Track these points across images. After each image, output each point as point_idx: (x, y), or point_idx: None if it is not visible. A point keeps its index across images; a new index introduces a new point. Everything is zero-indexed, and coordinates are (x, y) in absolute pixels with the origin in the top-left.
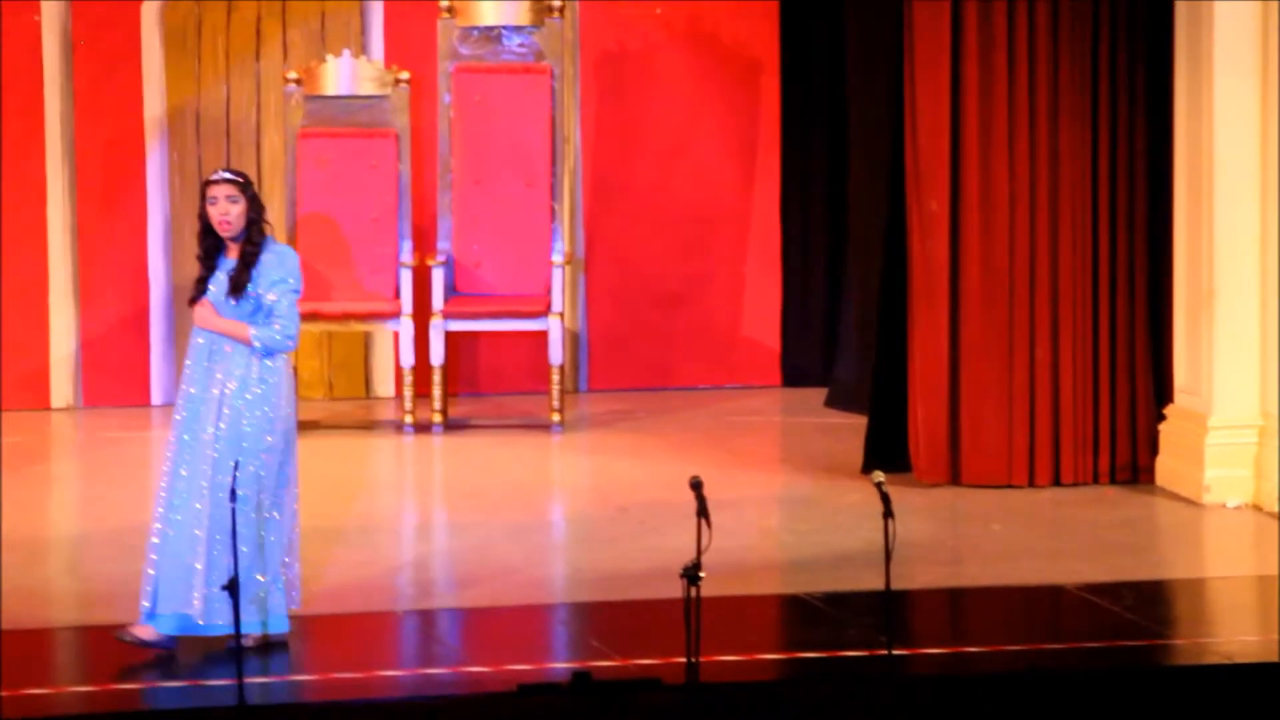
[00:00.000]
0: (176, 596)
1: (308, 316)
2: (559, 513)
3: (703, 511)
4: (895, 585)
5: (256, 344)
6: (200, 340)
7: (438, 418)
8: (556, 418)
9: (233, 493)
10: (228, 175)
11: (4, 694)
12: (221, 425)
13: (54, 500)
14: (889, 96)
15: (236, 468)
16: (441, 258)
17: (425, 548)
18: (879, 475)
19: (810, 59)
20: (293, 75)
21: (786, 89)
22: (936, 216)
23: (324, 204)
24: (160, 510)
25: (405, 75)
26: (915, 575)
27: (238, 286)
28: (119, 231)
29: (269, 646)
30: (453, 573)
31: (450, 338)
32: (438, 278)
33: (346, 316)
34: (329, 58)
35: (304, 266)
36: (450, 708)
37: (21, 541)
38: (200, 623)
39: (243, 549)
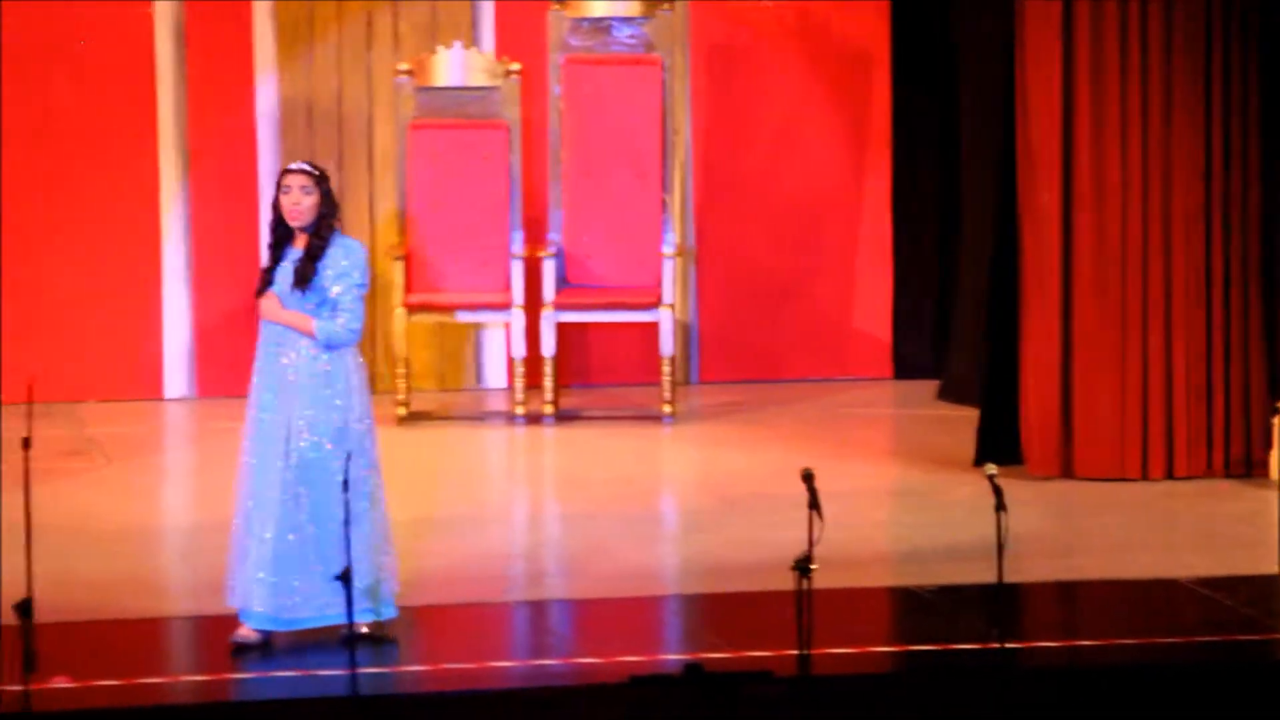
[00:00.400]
0: (261, 593)
1: (419, 308)
2: (670, 504)
3: (814, 503)
4: (1007, 578)
5: (319, 336)
6: (268, 333)
7: (549, 409)
8: (667, 409)
9: (344, 483)
10: (304, 166)
11: (119, 683)
12: (295, 418)
13: (167, 490)
14: (1000, 88)
15: (349, 459)
16: (552, 249)
17: (536, 538)
18: (991, 468)
19: (921, 51)
20: (404, 67)
21: (897, 81)
22: (1048, 208)
23: (435, 196)
24: (241, 508)
25: (516, 67)
26: (1027, 568)
27: (303, 278)
28: (232, 223)
29: (371, 638)
30: (564, 564)
31: (561, 329)
32: (549, 269)
33: (458, 308)
34: (440, 49)
35: (415, 257)
36: (562, 699)
37: (136, 531)
38: (286, 617)
39: (298, 535)
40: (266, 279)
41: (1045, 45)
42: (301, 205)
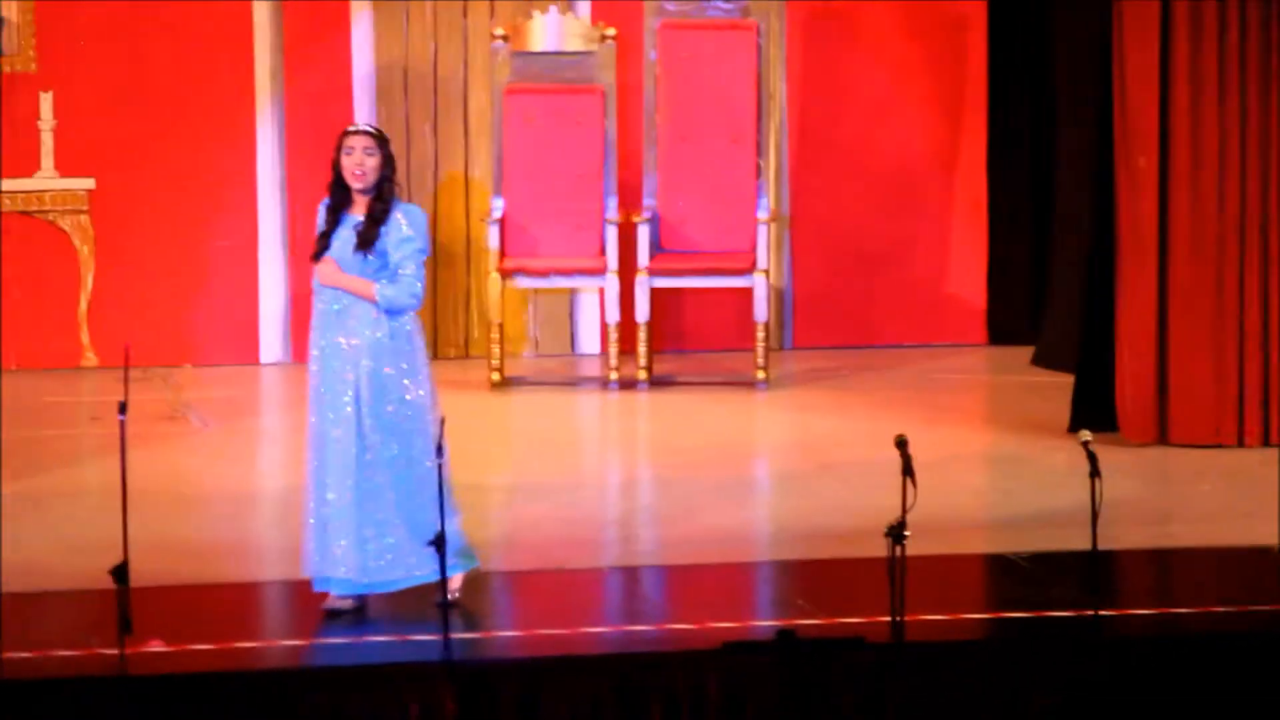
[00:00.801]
0: (342, 559)
1: (514, 272)
2: (763, 470)
3: (908, 470)
4: (1102, 545)
5: (381, 301)
6: (326, 297)
7: (643, 374)
8: (761, 375)
9: (438, 448)
10: (367, 128)
11: (213, 647)
12: (360, 385)
13: (263, 455)
14: (1097, 52)
15: (443, 424)
16: (647, 214)
17: (630, 504)
18: (1086, 434)
19: (1017, 14)
20: (500, 32)
21: (994, 44)
22: (1145, 173)
23: (530, 160)
24: (312, 476)
25: (612, 32)
26: (1122, 535)
27: (366, 241)
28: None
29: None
30: (657, 529)
31: (655, 294)
32: (643, 234)
33: (552, 272)
34: (536, 14)
35: (510, 222)
36: (655, 665)
37: (231, 496)
38: (364, 580)
39: (384, 501)
40: (324, 243)
41: (1143, 8)
42: (365, 166)
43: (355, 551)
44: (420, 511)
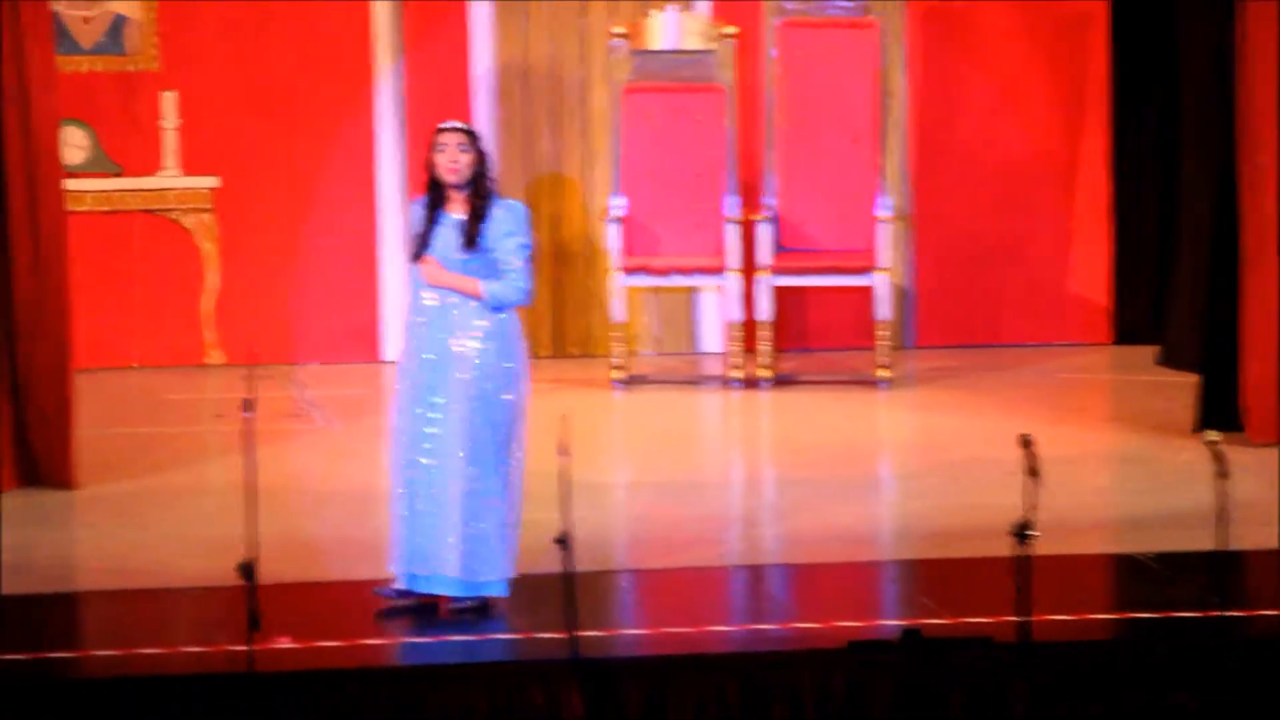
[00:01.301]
0: (436, 557)
1: (635, 271)
2: (886, 469)
3: (1032, 469)
4: (1229, 546)
5: (488, 298)
6: (426, 296)
7: (765, 373)
8: (883, 374)
9: (562, 448)
10: (459, 125)
11: (340, 644)
12: (464, 384)
13: (386, 452)
14: (1220, 46)
15: (566, 421)
16: (767, 213)
17: (754, 503)
18: (1212, 434)
19: (1140, 10)
20: (619, 30)
21: (1116, 41)
22: (1265, 170)
23: (649, 159)
24: (402, 475)
25: (732, 30)
26: (1248, 536)
27: (471, 239)
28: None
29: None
30: (781, 528)
31: (777, 293)
32: (764, 233)
33: (673, 271)
34: (655, 12)
35: (630, 221)
36: (780, 664)
37: (355, 493)
38: (461, 578)
39: (492, 501)
40: (423, 242)
41: (1264, 7)
42: (460, 162)
43: (460, 552)
44: (511, 511)
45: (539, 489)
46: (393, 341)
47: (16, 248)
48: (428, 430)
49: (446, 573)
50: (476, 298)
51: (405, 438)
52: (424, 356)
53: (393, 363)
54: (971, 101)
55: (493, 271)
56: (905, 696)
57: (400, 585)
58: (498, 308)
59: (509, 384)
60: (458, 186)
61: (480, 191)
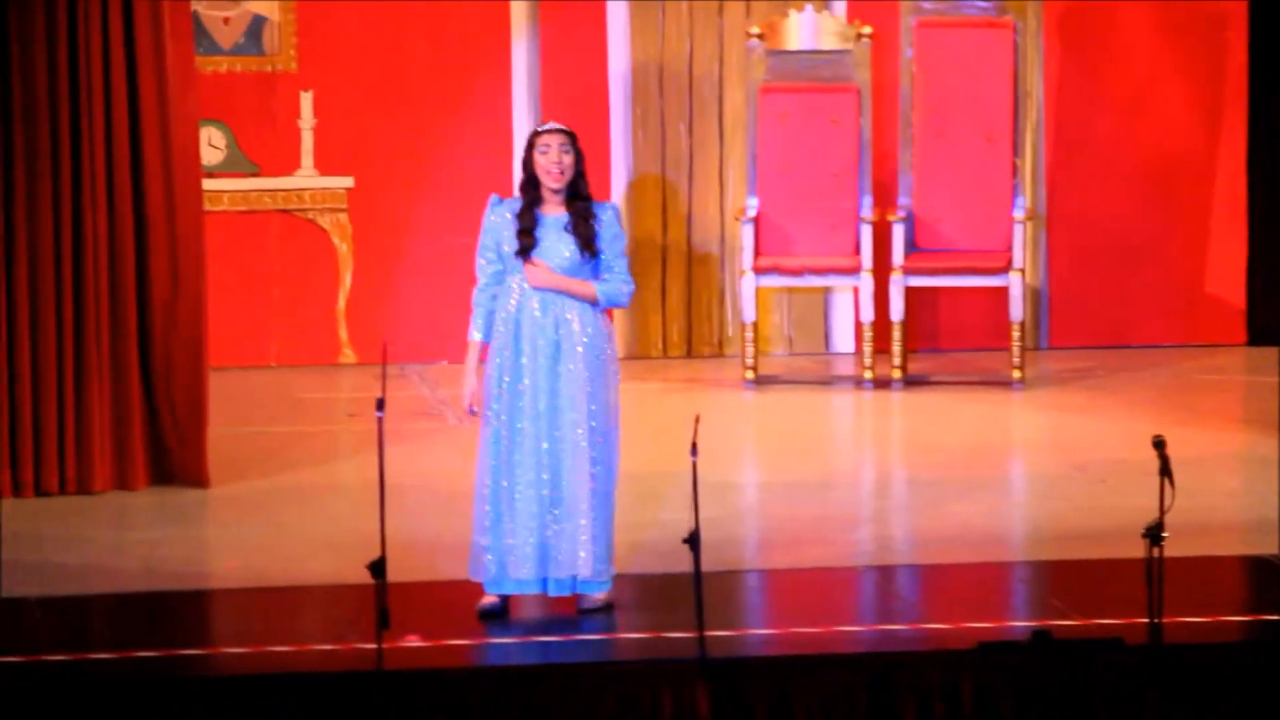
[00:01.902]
0: (569, 556)
1: (767, 270)
2: (1018, 470)
3: (1165, 470)
4: None
5: (602, 299)
6: (529, 298)
7: (897, 373)
8: (1017, 374)
9: (693, 447)
10: (560, 126)
11: (469, 643)
12: (569, 386)
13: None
14: None
15: (698, 421)
16: (902, 213)
17: (884, 503)
18: None
19: (1278, 11)
20: (755, 30)
21: (1254, 40)
22: None
23: (784, 159)
24: (496, 475)
25: (867, 30)
26: None
27: (588, 242)
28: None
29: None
30: (911, 529)
31: (910, 293)
32: (898, 233)
33: (806, 271)
34: (792, 12)
35: (764, 221)
36: (909, 664)
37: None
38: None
39: (581, 502)
40: (529, 243)
41: None
42: (563, 164)
43: (581, 548)
44: (607, 509)
45: (668, 489)
46: None
47: (154, 247)
48: (528, 428)
49: (580, 572)
50: (588, 299)
51: (499, 436)
52: (523, 359)
53: None
54: (1108, 101)
55: (594, 271)
56: (1035, 698)
57: (503, 592)
58: (610, 305)
59: (613, 381)
60: (557, 190)
61: (581, 193)
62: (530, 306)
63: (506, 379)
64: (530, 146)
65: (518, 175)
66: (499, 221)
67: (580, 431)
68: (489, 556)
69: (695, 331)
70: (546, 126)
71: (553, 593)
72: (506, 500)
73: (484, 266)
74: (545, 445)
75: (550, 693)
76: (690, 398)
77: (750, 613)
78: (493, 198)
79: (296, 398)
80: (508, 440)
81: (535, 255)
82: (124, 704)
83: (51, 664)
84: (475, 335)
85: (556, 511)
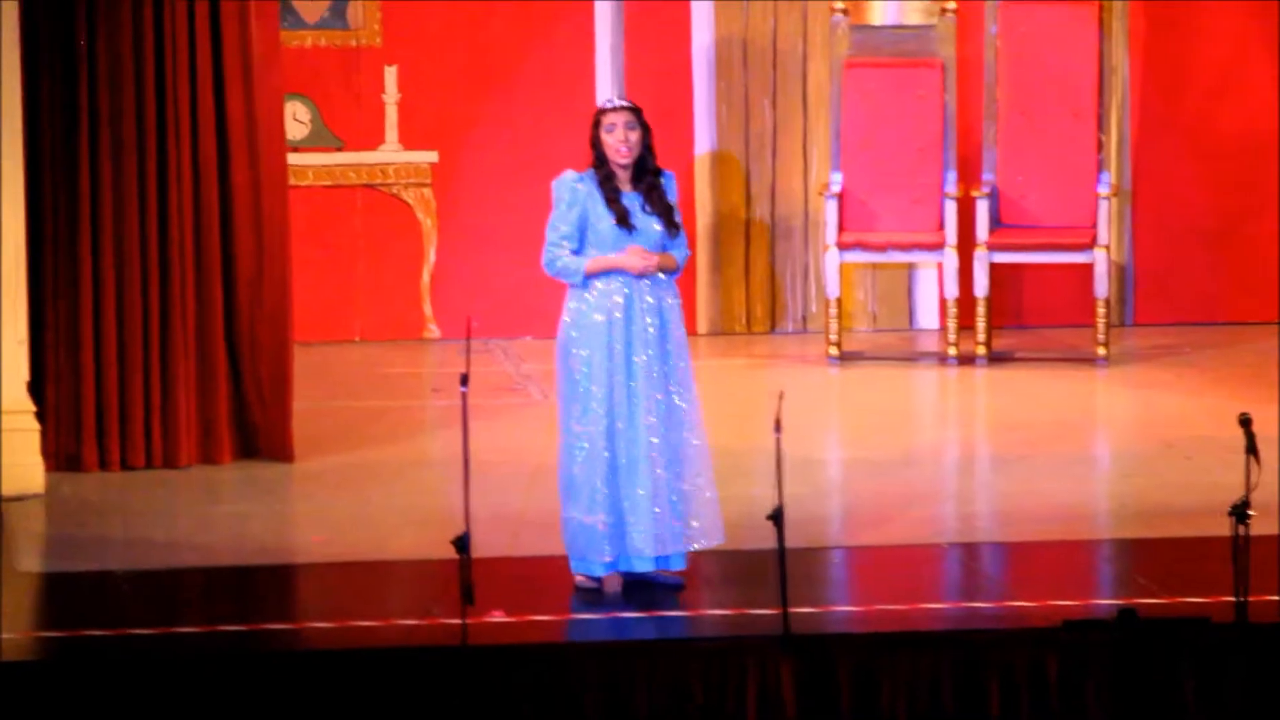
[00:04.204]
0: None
1: (851, 246)
2: (1103, 447)
3: (1251, 448)
4: None
5: (678, 270)
6: (616, 281)
7: (981, 350)
8: (1101, 351)
9: (777, 423)
10: (626, 103)
11: (553, 618)
12: (673, 354)
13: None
14: None
15: (781, 398)
16: (986, 189)
17: (968, 480)
18: None
19: None
20: (839, 5)
21: None
22: None
23: (868, 134)
24: (600, 456)
25: (952, 5)
26: None
27: (668, 216)
28: (668, 159)
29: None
30: (995, 506)
31: (994, 269)
32: (982, 209)
33: (890, 247)
34: None
35: (848, 196)
36: (995, 642)
37: None
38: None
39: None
40: (621, 211)
41: None
42: (630, 141)
43: (656, 526)
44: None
45: (752, 465)
46: None
47: (239, 222)
48: (654, 407)
49: (713, 541)
50: (672, 270)
51: (596, 414)
52: (605, 334)
53: None
54: (1194, 77)
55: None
56: (1120, 676)
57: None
58: (676, 276)
59: (687, 350)
60: (625, 166)
61: (649, 167)
62: (638, 286)
63: (619, 363)
64: (596, 124)
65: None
66: (585, 192)
67: (688, 405)
68: (601, 533)
69: (778, 307)
70: (610, 103)
71: (638, 569)
72: (623, 477)
73: (561, 231)
74: (656, 420)
75: (634, 669)
76: (774, 374)
77: (834, 589)
78: (570, 172)
79: (381, 373)
80: (625, 419)
81: (633, 237)
82: (210, 678)
83: (140, 638)
84: (583, 262)
85: (680, 485)
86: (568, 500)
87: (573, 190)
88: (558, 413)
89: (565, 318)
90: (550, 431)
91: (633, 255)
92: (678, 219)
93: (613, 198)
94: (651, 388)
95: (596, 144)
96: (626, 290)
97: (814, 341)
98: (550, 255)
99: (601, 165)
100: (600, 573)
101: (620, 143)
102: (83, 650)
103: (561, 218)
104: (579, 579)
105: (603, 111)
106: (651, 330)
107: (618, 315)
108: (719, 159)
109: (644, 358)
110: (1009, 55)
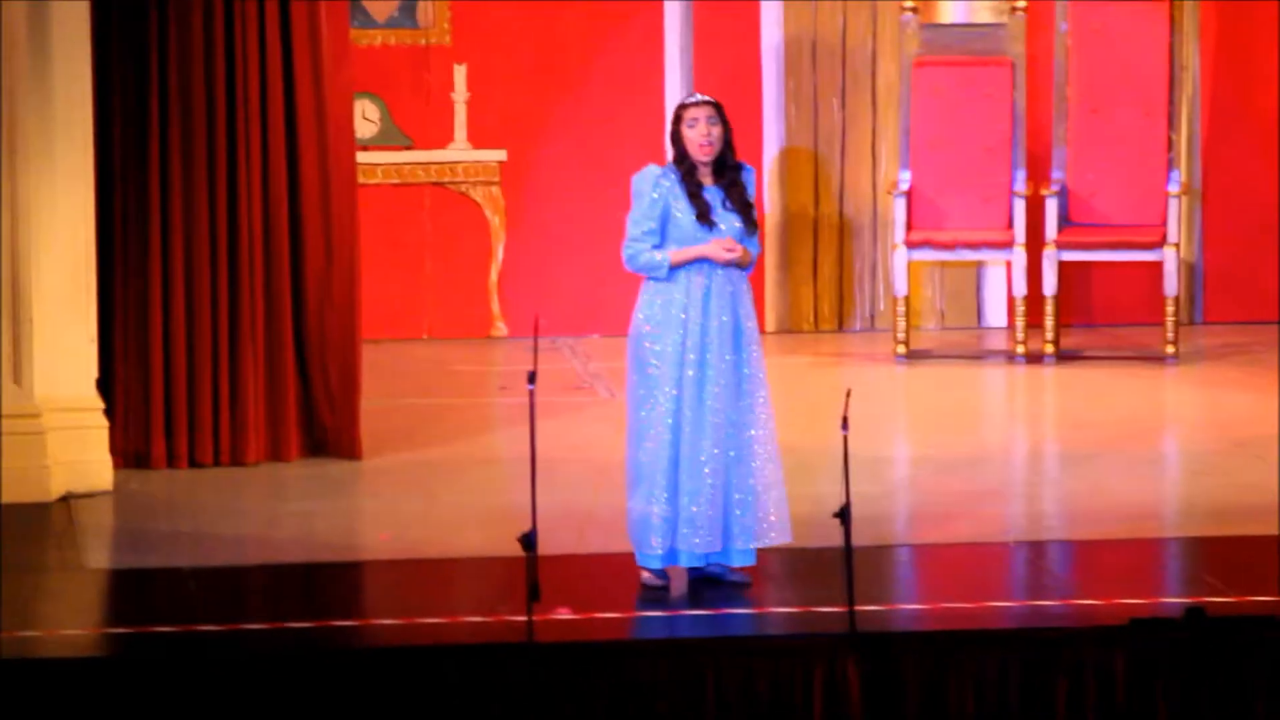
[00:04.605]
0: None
1: (920, 245)
2: (1172, 445)
3: None
4: None
5: (751, 265)
6: (697, 274)
7: (1050, 348)
8: (1171, 349)
9: (844, 421)
10: (707, 99)
11: (618, 616)
12: (748, 347)
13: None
14: None
15: (849, 395)
16: (1055, 187)
17: (1036, 478)
18: None
19: None
20: (909, 4)
21: None
22: None
23: (938, 132)
24: (664, 447)
25: (1022, 3)
26: None
27: (747, 212)
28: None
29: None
30: (1063, 504)
31: (1063, 267)
32: (1051, 207)
33: (958, 245)
34: None
35: (916, 195)
36: (1061, 640)
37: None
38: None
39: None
40: (704, 207)
41: None
42: (712, 136)
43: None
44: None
45: (819, 463)
46: None
47: (308, 220)
48: (723, 402)
49: (784, 538)
50: (747, 265)
51: (669, 409)
52: (683, 330)
53: None
54: (1266, 75)
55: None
56: (1189, 675)
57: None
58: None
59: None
60: (707, 161)
61: (730, 163)
62: (717, 279)
63: (691, 356)
64: (677, 120)
65: (669, 149)
66: (668, 187)
67: (759, 401)
68: (656, 524)
69: (846, 305)
70: (692, 99)
71: (693, 563)
72: (685, 470)
73: (644, 226)
74: (724, 415)
75: (701, 666)
76: (841, 372)
77: (901, 588)
78: (653, 166)
79: (449, 370)
80: (693, 411)
81: (714, 233)
82: (276, 674)
83: (207, 634)
84: (667, 256)
85: (748, 482)
86: (632, 490)
87: (656, 184)
88: (627, 404)
89: (639, 312)
90: (618, 429)
91: (717, 246)
92: (755, 215)
93: (695, 193)
94: (722, 382)
95: (677, 139)
96: (706, 283)
97: (882, 340)
98: (633, 250)
99: (683, 160)
100: (656, 564)
101: (703, 138)
102: (150, 646)
103: (644, 212)
104: (645, 575)
105: (684, 106)
106: (726, 322)
107: (694, 309)
108: (788, 157)
109: (716, 351)
110: (1079, 53)
